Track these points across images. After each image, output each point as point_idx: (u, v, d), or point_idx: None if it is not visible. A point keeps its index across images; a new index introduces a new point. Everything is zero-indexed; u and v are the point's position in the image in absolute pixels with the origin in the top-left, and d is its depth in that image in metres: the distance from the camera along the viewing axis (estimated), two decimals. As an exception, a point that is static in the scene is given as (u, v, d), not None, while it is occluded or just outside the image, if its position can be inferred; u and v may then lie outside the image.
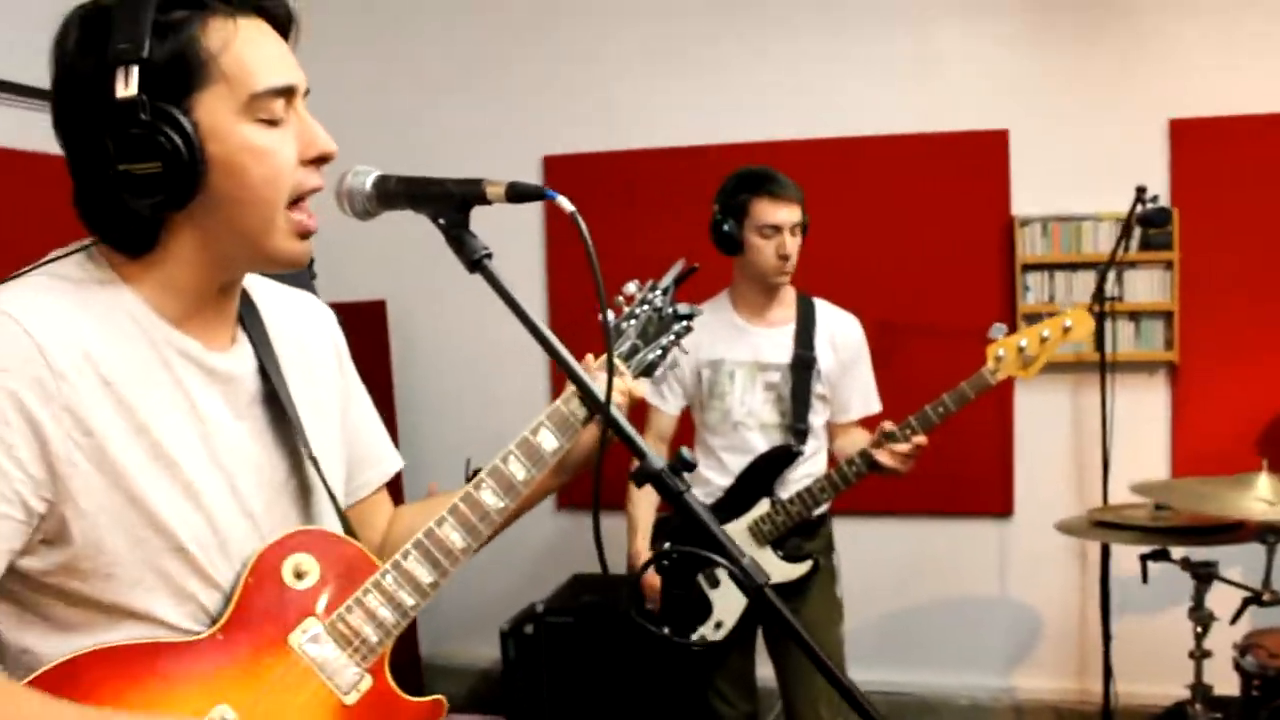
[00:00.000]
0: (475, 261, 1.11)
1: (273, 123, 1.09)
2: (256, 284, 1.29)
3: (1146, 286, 3.80)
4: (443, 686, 1.27)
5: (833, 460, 2.84)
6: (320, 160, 1.13)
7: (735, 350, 2.83)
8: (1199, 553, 2.87)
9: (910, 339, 3.81)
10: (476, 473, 1.31)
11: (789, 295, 2.86)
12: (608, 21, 4.22)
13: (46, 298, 1.05)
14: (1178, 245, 3.74)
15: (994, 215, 3.90)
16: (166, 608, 1.10)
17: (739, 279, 2.88)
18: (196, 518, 1.11)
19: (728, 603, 2.75)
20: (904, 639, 4.05)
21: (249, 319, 1.24)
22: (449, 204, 1.12)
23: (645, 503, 2.85)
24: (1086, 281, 3.78)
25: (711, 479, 2.82)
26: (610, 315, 1.46)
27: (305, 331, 1.32)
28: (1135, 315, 3.82)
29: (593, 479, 1.14)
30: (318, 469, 1.24)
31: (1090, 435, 3.85)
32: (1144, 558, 2.92)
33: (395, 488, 1.49)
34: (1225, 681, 2.95)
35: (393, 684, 1.23)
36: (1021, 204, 3.88)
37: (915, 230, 3.93)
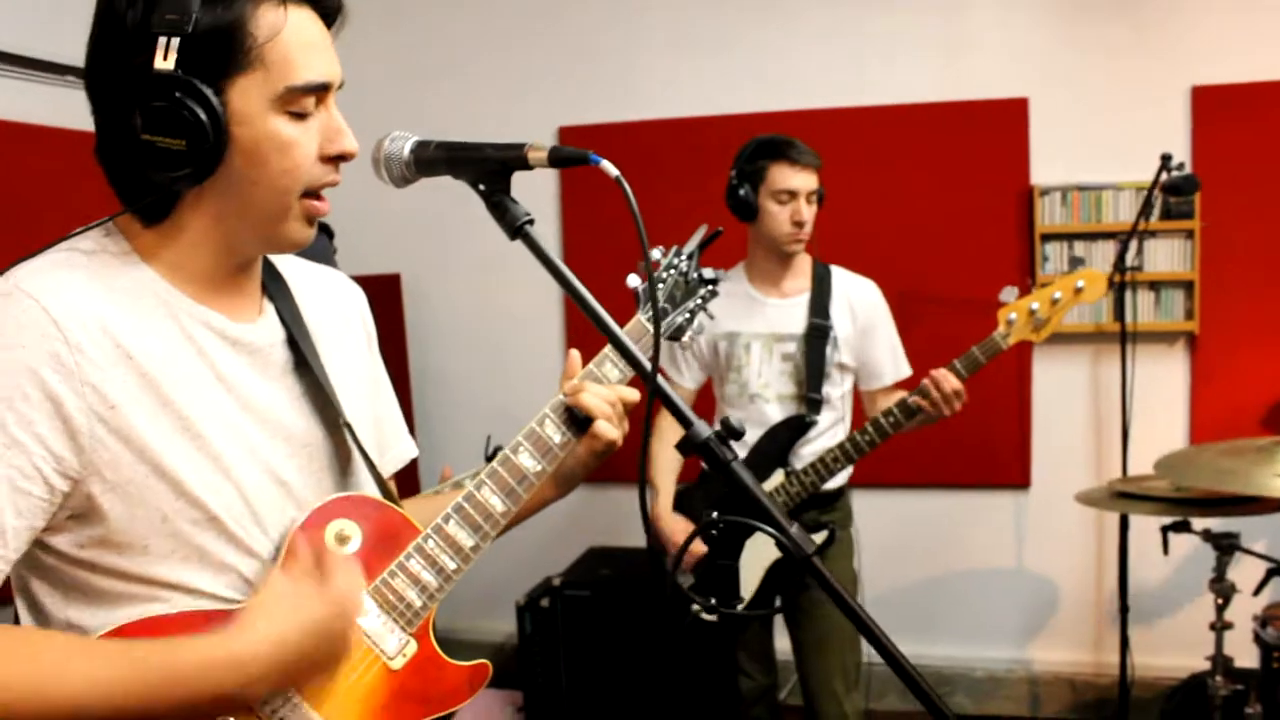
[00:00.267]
0: (517, 228, 1.10)
1: (301, 116, 1.08)
2: (284, 259, 1.28)
3: (1167, 256, 3.76)
4: (459, 660, 1.26)
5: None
6: (340, 158, 1.13)
7: (751, 323, 2.81)
8: (1220, 524, 2.86)
9: (928, 308, 3.78)
10: (498, 450, 1.31)
11: (804, 265, 2.84)
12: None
13: (63, 273, 1.05)
14: (1199, 214, 3.70)
15: (1013, 184, 3.86)
16: (205, 578, 1.10)
17: (754, 249, 2.86)
18: (227, 487, 1.10)
19: (747, 575, 2.75)
20: (920, 611, 4.05)
21: (276, 292, 1.23)
22: (489, 169, 1.10)
23: (668, 467, 2.84)
24: (1106, 251, 3.75)
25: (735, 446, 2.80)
26: (637, 280, 1.45)
27: (336, 307, 1.32)
28: (1155, 285, 3.79)
29: (640, 449, 1.12)
30: (353, 435, 1.24)
31: (1108, 406, 3.83)
32: (1165, 529, 2.91)
33: (409, 468, 1.48)
34: (1243, 654, 2.95)
35: (437, 648, 1.24)
36: (1041, 173, 3.85)
37: (934, 199, 3.90)
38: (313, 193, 1.11)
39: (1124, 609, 3.37)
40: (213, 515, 1.09)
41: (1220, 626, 2.84)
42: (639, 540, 3.12)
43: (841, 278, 2.84)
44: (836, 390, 2.81)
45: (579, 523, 4.18)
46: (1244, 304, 3.71)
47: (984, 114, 3.86)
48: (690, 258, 1.52)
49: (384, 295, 4.24)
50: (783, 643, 2.97)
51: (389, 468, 1.39)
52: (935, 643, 4.02)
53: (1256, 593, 2.78)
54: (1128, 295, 3.52)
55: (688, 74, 4.12)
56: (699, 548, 2.73)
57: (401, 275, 4.35)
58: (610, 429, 1.30)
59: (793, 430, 2.74)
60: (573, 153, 1.06)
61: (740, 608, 2.74)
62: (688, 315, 1.51)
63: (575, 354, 1.37)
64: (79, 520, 1.04)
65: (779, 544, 1.02)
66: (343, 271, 1.45)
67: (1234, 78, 3.67)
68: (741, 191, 2.75)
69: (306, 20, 1.09)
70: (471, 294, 4.38)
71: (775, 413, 2.78)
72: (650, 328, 1.37)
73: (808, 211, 2.72)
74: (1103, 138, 3.80)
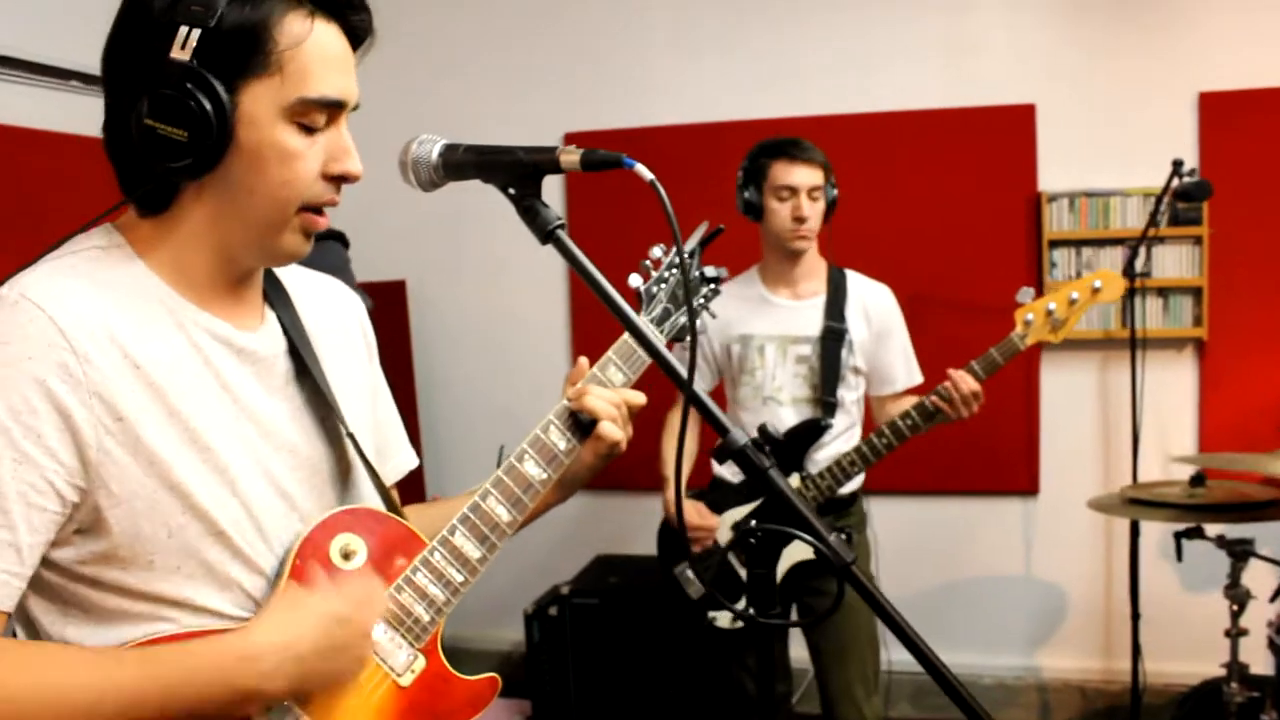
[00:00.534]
0: (549, 232, 1.08)
1: (310, 130, 1.07)
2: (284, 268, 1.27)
3: (1175, 262, 3.76)
4: (466, 670, 1.25)
5: None
6: (342, 179, 1.11)
7: (765, 324, 2.80)
8: (1234, 529, 2.85)
9: (936, 314, 3.77)
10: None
11: (819, 268, 2.83)
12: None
13: (69, 281, 1.03)
14: (1207, 220, 3.70)
15: (1021, 190, 3.86)
16: (209, 594, 1.08)
17: (765, 250, 2.85)
18: (233, 502, 1.09)
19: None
20: (928, 618, 3.98)
21: (276, 299, 1.22)
22: (520, 173, 1.09)
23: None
24: (1114, 257, 3.75)
25: None
26: (639, 279, 1.44)
27: (336, 316, 1.31)
28: (1164, 291, 3.78)
29: (676, 459, 1.10)
30: (356, 446, 1.22)
31: (1117, 412, 3.83)
32: (1179, 535, 2.89)
33: (415, 475, 1.46)
34: (1257, 660, 2.93)
35: (446, 663, 1.22)
36: (1049, 179, 3.85)
37: (942, 206, 3.90)
38: (312, 207, 1.10)
39: (1135, 615, 3.35)
40: (220, 530, 1.07)
41: (1235, 633, 2.82)
42: (647, 548, 3.10)
43: (857, 282, 2.84)
44: (851, 394, 2.80)
45: (586, 531, 4.17)
46: (1253, 310, 3.71)
47: (991, 120, 3.86)
48: (692, 255, 1.51)
49: (389, 301, 4.23)
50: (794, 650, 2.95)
51: (390, 477, 1.38)
52: (944, 650, 3.89)
53: (1274, 599, 2.77)
54: (1136, 301, 3.51)
55: (694, 80, 4.12)
56: (709, 530, 2.72)
57: (407, 281, 4.34)
58: (615, 430, 1.29)
59: (809, 434, 2.73)
60: (606, 155, 1.04)
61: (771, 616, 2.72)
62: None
63: (584, 360, 1.36)
64: (84, 534, 1.02)
65: (818, 552, 1.00)
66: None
67: (1241, 83, 3.67)
68: (746, 192, 2.77)
69: (332, 36, 1.08)
70: (477, 300, 4.37)
71: (789, 416, 2.77)
72: (651, 330, 1.36)
73: (809, 207, 2.70)
74: (1110, 144, 3.80)
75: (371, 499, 1.26)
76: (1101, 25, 3.81)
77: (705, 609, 2.77)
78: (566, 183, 4.20)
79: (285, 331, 1.19)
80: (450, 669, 1.22)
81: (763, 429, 1.05)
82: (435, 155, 1.12)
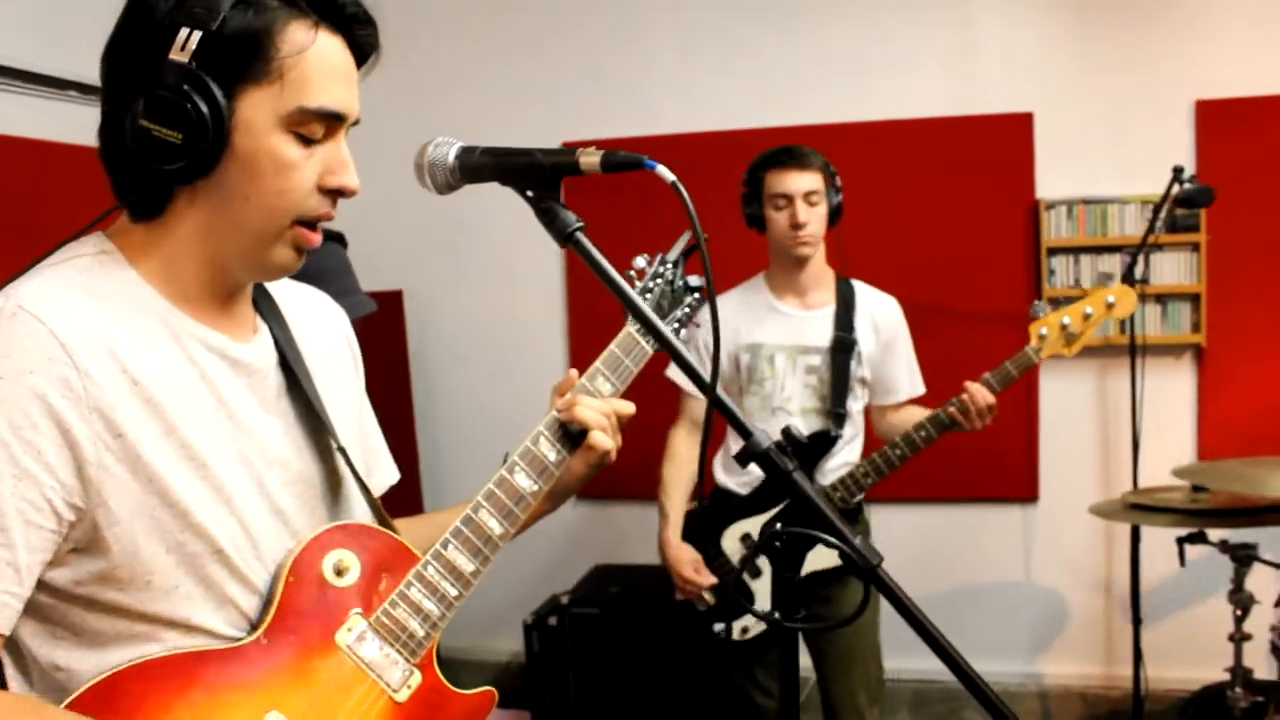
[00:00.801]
0: (568, 235, 1.07)
1: (308, 141, 1.05)
2: None
3: (1173, 269, 3.77)
4: (464, 680, 1.23)
5: (879, 445, 2.80)
6: (338, 193, 1.09)
7: (774, 333, 2.79)
8: (1237, 534, 2.85)
9: (935, 321, 3.76)
10: None
11: (827, 278, 2.82)
12: (635, 4, 4.18)
13: (66, 292, 1.01)
14: (1205, 227, 3.71)
15: (1019, 198, 3.87)
16: (205, 614, 1.06)
17: (772, 261, 2.84)
18: (230, 519, 1.07)
19: (761, 587, 2.71)
20: (929, 626, 4.02)
21: (267, 311, 1.20)
22: (539, 176, 1.08)
23: (678, 493, 2.81)
24: (1112, 265, 3.75)
25: (750, 467, 2.77)
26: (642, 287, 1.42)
27: (324, 328, 1.29)
28: (1162, 298, 3.79)
29: (699, 475, 1.10)
30: (347, 460, 1.21)
31: (1116, 419, 3.83)
32: (1181, 540, 2.90)
33: (412, 486, 1.44)
34: (1260, 665, 2.93)
35: (442, 678, 1.20)
36: (1047, 187, 3.86)
37: (940, 213, 3.90)
38: (307, 222, 1.08)
39: (1137, 620, 3.35)
40: (219, 548, 1.05)
41: (1239, 638, 2.83)
42: (646, 558, 3.09)
43: (865, 293, 2.83)
44: (857, 404, 2.79)
45: (583, 540, 4.15)
46: (1251, 316, 3.72)
47: (990, 128, 3.87)
48: (675, 265, 1.49)
49: (386, 311, 4.21)
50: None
51: (374, 492, 1.36)
52: (945, 658, 3.99)
53: (1278, 604, 2.77)
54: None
55: (695, 90, 4.12)
56: (699, 588, 2.70)
57: (404, 291, 4.33)
58: (605, 439, 1.28)
59: (820, 446, 2.72)
60: (627, 157, 1.04)
61: (756, 629, 2.71)
62: (675, 325, 1.49)
63: (573, 372, 1.35)
64: (80, 554, 1.00)
65: (842, 556, 1.00)
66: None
67: (1238, 91, 3.69)
68: (750, 206, 2.77)
69: (335, 48, 1.06)
70: (474, 310, 4.36)
71: (799, 427, 2.75)
72: (641, 339, 1.35)
73: (806, 212, 2.67)
74: (1108, 152, 3.81)
75: (362, 514, 1.24)
76: (1099, 34, 3.83)
77: (716, 620, 2.74)
78: (565, 184, 4.19)
79: (276, 344, 1.17)
80: (446, 683, 1.21)
81: (786, 431, 1.04)
82: (452, 158, 1.11)
